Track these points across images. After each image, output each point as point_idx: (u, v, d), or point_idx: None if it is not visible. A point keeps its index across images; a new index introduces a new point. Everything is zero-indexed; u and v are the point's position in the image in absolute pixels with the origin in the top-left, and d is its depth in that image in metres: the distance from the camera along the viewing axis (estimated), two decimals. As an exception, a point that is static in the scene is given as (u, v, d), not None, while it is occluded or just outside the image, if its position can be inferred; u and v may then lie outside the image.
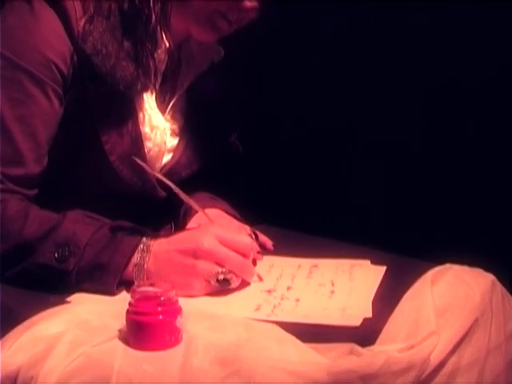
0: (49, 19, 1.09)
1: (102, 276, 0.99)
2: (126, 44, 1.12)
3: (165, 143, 1.24)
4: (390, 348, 0.81)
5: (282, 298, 0.97)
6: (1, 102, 1.07)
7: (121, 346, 0.81)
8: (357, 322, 0.89)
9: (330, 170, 1.48)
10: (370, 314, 0.91)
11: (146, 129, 1.20)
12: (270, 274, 1.06)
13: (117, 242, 1.01)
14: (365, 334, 0.86)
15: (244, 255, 1.00)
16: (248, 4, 1.12)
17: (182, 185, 1.25)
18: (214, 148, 1.31)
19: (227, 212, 1.25)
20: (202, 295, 0.98)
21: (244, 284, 1.01)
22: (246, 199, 1.30)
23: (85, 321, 0.86)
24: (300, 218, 1.35)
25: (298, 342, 0.78)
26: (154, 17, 1.13)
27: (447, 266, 1.05)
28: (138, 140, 1.18)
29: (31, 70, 1.08)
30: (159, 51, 1.16)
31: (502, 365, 0.95)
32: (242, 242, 1.02)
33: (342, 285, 1.02)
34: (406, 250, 1.16)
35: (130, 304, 0.83)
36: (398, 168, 1.43)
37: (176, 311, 0.82)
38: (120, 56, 1.11)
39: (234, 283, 0.99)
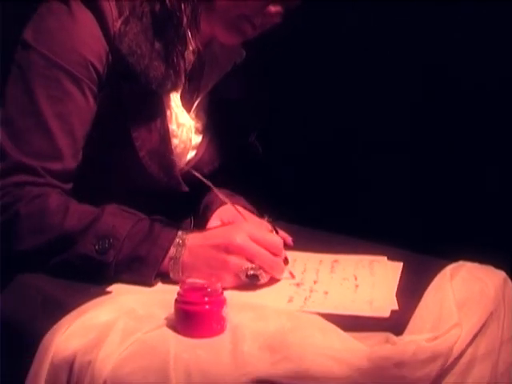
0: (86, 20, 1.14)
1: (141, 268, 1.04)
2: (158, 45, 1.17)
3: (190, 140, 1.30)
4: (418, 338, 0.87)
5: (311, 291, 1.03)
6: (41, 99, 1.12)
7: (170, 333, 0.87)
8: (386, 314, 0.95)
9: (343, 168, 1.55)
10: (396, 307, 0.98)
11: (173, 126, 1.25)
12: (295, 268, 1.12)
13: (154, 235, 1.06)
14: (393, 325, 0.92)
15: (274, 253, 1.06)
16: (273, 9, 1.17)
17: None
18: (235, 146, 1.37)
19: (245, 208, 1.31)
20: (230, 288, 1.03)
21: (273, 279, 1.06)
22: (264, 196, 1.36)
23: (131, 310, 0.92)
24: (315, 215, 1.41)
25: (340, 330, 0.84)
26: (185, 19, 1.18)
27: (461, 262, 1.12)
28: (165, 137, 1.24)
29: (70, 69, 1.13)
30: (187, 52, 1.22)
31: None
32: (272, 240, 1.07)
33: (365, 279, 1.08)
34: (416, 247, 1.23)
35: (179, 294, 0.88)
36: (409, 167, 1.50)
37: (222, 302, 0.88)
38: (153, 56, 1.16)
39: (263, 279, 1.03)
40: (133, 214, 1.11)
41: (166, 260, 1.05)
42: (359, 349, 0.81)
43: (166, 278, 1.06)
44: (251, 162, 1.39)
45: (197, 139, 1.32)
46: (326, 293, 1.03)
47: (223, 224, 1.24)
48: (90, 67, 1.14)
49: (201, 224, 1.30)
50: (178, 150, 1.28)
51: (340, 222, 1.31)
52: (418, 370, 0.84)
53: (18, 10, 1.27)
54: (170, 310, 0.91)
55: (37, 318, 0.97)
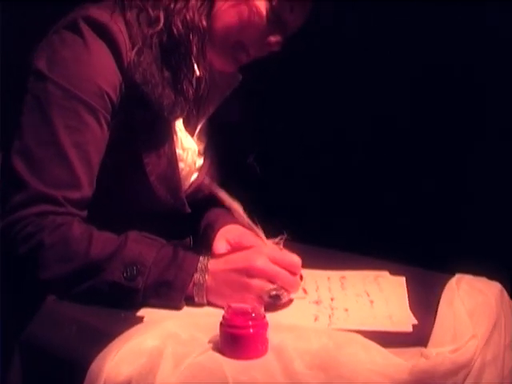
0: (101, 51, 1.18)
1: (169, 292, 1.09)
2: (168, 73, 1.22)
3: (194, 163, 1.35)
4: (444, 350, 0.95)
5: (332, 309, 1.10)
6: (59, 129, 1.15)
7: (218, 356, 0.92)
8: (408, 328, 1.03)
9: (335, 184, 1.63)
10: (415, 321, 1.06)
11: (179, 150, 1.30)
12: (307, 286, 1.18)
13: (179, 261, 1.10)
14: (416, 339, 1.01)
15: (292, 272, 1.11)
16: (273, 39, 1.24)
17: (203, 201, 1.38)
18: (233, 167, 1.43)
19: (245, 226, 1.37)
20: None
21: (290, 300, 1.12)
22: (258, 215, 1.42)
23: (174, 334, 0.97)
24: (307, 232, 1.48)
25: (379, 346, 0.91)
26: (194, 48, 1.23)
27: (459, 275, 1.22)
28: (173, 161, 1.29)
29: (87, 99, 1.16)
30: (194, 79, 1.26)
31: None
32: (292, 260, 1.13)
33: (377, 295, 1.16)
34: (408, 261, 1.32)
35: (224, 318, 0.94)
36: (394, 181, 1.59)
37: (265, 324, 0.94)
38: (164, 84, 1.21)
39: (284, 298, 1.09)
40: (154, 240, 1.15)
41: (191, 285, 1.10)
42: (400, 363, 0.88)
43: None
44: (250, 182, 1.45)
45: (199, 162, 1.37)
46: (347, 310, 1.10)
47: (230, 244, 1.29)
48: (106, 97, 1.18)
49: (201, 243, 1.35)
50: (184, 173, 1.33)
51: (330, 237, 1.38)
52: (448, 380, 0.92)
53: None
54: (210, 333, 0.96)
55: (75, 346, 1.01)
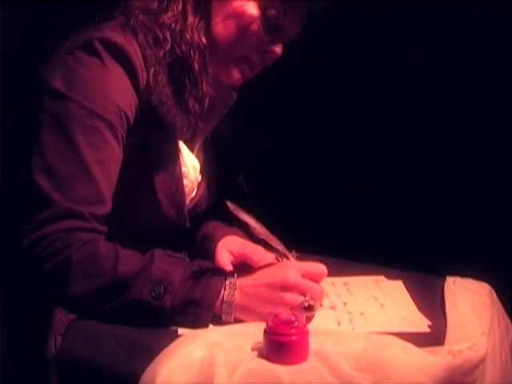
0: (118, 73, 1.22)
1: (196, 311, 1.11)
2: (176, 92, 1.27)
3: (196, 180, 1.40)
4: (463, 347, 1.05)
5: (349, 313, 1.18)
6: (82, 147, 1.18)
7: (265, 362, 0.98)
8: (426, 329, 1.12)
9: (321, 192, 1.71)
10: (429, 321, 1.15)
11: (184, 168, 1.35)
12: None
13: (206, 279, 1.13)
14: (432, 338, 1.10)
15: (317, 282, 1.17)
16: (273, 47, 1.30)
17: (200, 215, 1.44)
18: (226, 183, 1.49)
19: (241, 237, 1.43)
20: None
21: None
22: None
23: (219, 344, 1.02)
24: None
25: (414, 346, 1.00)
26: (196, 66, 1.27)
27: (451, 278, 1.33)
28: (179, 179, 1.34)
29: (107, 117, 1.20)
30: (199, 96, 1.30)
31: (507, 351, 1.23)
32: (319, 270, 1.18)
33: (383, 298, 1.24)
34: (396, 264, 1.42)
35: (269, 327, 1.00)
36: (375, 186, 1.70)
37: (307, 332, 1.00)
38: (176, 105, 1.26)
39: (317, 308, 1.14)
40: (180, 259, 1.19)
41: (218, 303, 1.12)
42: (435, 361, 0.97)
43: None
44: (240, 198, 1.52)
45: (199, 178, 1.42)
46: (362, 313, 1.18)
47: (233, 255, 1.33)
48: (123, 116, 1.22)
49: (198, 254, 1.39)
50: (187, 190, 1.38)
51: (316, 244, 1.46)
52: (470, 374, 1.02)
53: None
54: (251, 341, 1.03)
55: (115, 359, 1.04)
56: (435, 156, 1.70)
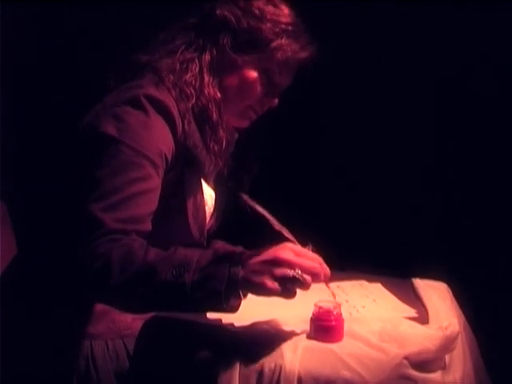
0: (160, 122, 1.52)
1: (213, 283, 1.28)
2: (203, 138, 1.60)
3: (213, 206, 1.73)
4: (444, 325, 1.44)
5: (354, 307, 1.54)
6: (131, 180, 1.44)
7: (315, 341, 1.33)
8: (414, 314, 1.51)
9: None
10: (413, 309, 1.54)
11: (206, 197, 1.68)
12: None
13: (217, 258, 1.34)
14: (420, 320, 1.48)
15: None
16: (270, 97, 1.67)
17: (212, 235, 1.77)
18: (231, 207, 1.82)
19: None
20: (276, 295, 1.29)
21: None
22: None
23: (275, 330, 1.36)
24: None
25: (418, 324, 1.38)
26: (215, 115, 1.60)
27: (416, 279, 1.72)
28: (202, 206, 1.67)
29: (152, 158, 1.48)
30: (218, 138, 1.62)
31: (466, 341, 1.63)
32: (312, 254, 1.36)
33: (373, 296, 1.61)
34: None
35: (314, 315, 1.35)
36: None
37: (342, 318, 1.36)
38: (203, 147, 1.59)
39: (304, 281, 1.27)
40: (198, 248, 1.50)
41: (227, 277, 1.28)
42: (433, 333, 1.36)
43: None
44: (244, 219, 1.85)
45: (214, 205, 1.75)
46: (364, 307, 1.55)
47: None
48: (164, 158, 1.52)
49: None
50: (207, 215, 1.70)
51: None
52: (454, 342, 1.41)
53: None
54: (297, 327, 1.37)
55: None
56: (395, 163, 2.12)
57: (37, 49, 2.32)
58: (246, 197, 1.57)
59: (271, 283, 1.27)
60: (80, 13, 2.29)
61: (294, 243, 1.40)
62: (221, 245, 1.79)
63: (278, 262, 1.29)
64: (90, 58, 2.29)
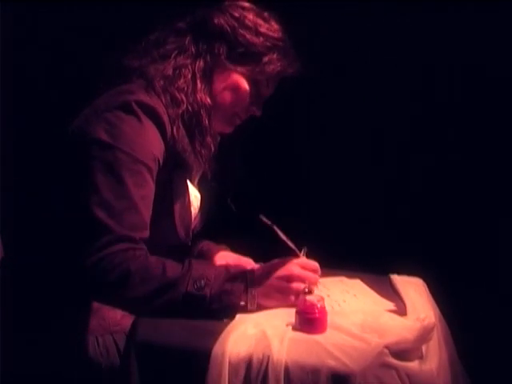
0: (151, 128, 1.60)
1: (229, 298, 1.49)
2: (192, 142, 1.67)
3: (198, 207, 1.80)
4: (422, 317, 1.52)
5: (335, 301, 1.61)
6: (130, 186, 1.53)
7: (300, 333, 1.40)
8: (393, 307, 1.58)
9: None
10: (392, 302, 1.62)
11: (191, 198, 1.74)
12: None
13: (232, 275, 1.52)
14: (398, 312, 1.56)
15: (314, 272, 1.58)
16: (255, 106, 1.75)
17: (197, 235, 1.83)
18: (215, 208, 1.89)
19: (231, 251, 1.85)
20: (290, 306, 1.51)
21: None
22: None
23: (262, 323, 1.43)
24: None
25: (397, 316, 1.46)
26: (206, 121, 1.68)
27: (392, 275, 1.81)
28: (188, 207, 1.73)
29: (147, 163, 1.57)
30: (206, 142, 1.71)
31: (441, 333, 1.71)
32: (313, 264, 1.58)
33: (353, 291, 1.69)
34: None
35: (300, 308, 1.42)
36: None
37: (326, 311, 1.43)
38: (191, 151, 1.66)
39: (314, 291, 1.49)
40: (209, 263, 1.59)
41: (244, 293, 1.51)
42: (412, 324, 1.44)
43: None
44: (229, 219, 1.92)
45: (199, 205, 1.82)
46: (345, 301, 1.62)
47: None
48: (157, 161, 1.60)
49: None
50: (192, 216, 1.77)
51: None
52: (431, 333, 1.49)
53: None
54: (282, 321, 1.44)
55: (185, 340, 1.42)
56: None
57: (37, 49, 2.36)
58: (265, 219, 1.63)
59: (294, 298, 1.51)
60: (79, 13, 2.36)
61: (298, 256, 1.58)
62: (206, 244, 1.87)
63: (291, 278, 1.52)
64: (90, 58, 2.33)
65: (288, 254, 1.61)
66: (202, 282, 1.49)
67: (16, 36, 2.09)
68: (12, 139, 2.23)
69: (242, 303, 1.51)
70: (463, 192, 2.27)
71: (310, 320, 1.42)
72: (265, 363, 1.33)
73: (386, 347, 1.34)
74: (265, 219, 1.57)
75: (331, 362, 1.31)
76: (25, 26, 2.19)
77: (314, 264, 1.60)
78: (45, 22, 2.40)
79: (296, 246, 1.60)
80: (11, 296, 1.62)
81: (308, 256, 1.61)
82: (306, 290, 1.51)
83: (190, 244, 1.80)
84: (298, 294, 1.52)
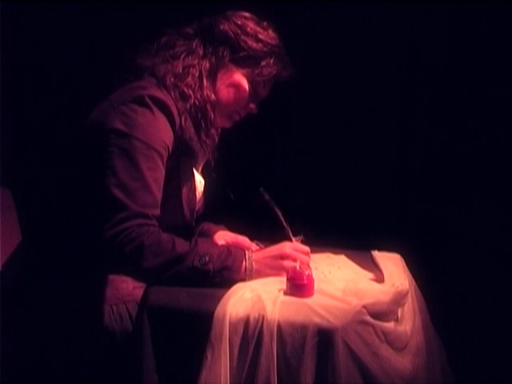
0: (162, 119, 1.80)
1: (230, 274, 1.70)
2: (198, 133, 1.88)
3: (202, 192, 2.01)
4: (397, 284, 1.74)
5: (321, 273, 1.83)
6: (143, 169, 1.73)
7: (290, 297, 1.62)
8: (372, 276, 1.80)
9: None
10: (371, 273, 1.84)
11: (196, 183, 1.96)
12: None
13: (233, 253, 1.73)
14: (377, 280, 1.78)
15: (305, 253, 1.80)
16: (252, 105, 1.96)
17: (199, 217, 2.04)
18: (216, 193, 2.11)
19: (229, 231, 2.06)
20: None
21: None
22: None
23: (258, 288, 1.65)
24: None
25: (374, 282, 1.68)
26: (211, 115, 1.89)
27: (374, 251, 2.02)
28: (194, 191, 1.94)
29: (159, 150, 1.77)
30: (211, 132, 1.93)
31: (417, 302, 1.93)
32: (304, 247, 1.82)
33: (338, 264, 1.91)
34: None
35: (290, 275, 1.64)
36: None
37: (313, 278, 1.65)
38: (197, 140, 1.87)
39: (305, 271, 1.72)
40: (212, 242, 1.81)
41: (243, 268, 1.73)
42: (387, 289, 1.66)
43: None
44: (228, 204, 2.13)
45: (202, 190, 2.03)
46: (330, 272, 1.84)
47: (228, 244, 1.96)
48: (167, 149, 1.81)
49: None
50: (197, 199, 1.98)
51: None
52: (405, 298, 1.71)
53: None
54: (274, 287, 1.66)
55: (191, 304, 1.63)
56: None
57: (37, 49, 2.55)
58: (263, 191, 1.85)
59: (282, 273, 1.72)
60: (80, 13, 2.54)
61: (292, 241, 1.81)
62: (207, 225, 2.08)
63: (284, 257, 1.74)
64: (90, 59, 2.55)
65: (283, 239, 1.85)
66: (207, 258, 1.70)
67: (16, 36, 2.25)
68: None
69: (241, 277, 1.73)
70: (440, 173, 2.49)
71: (299, 286, 1.63)
72: (260, 322, 1.55)
73: (364, 307, 1.56)
74: (264, 193, 1.79)
75: (317, 320, 1.53)
76: (24, 26, 2.35)
77: (306, 248, 1.82)
78: (45, 21, 2.56)
79: (292, 230, 1.83)
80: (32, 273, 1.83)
81: (304, 242, 1.83)
82: (298, 268, 1.70)
83: (193, 225, 2.01)
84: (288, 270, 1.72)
